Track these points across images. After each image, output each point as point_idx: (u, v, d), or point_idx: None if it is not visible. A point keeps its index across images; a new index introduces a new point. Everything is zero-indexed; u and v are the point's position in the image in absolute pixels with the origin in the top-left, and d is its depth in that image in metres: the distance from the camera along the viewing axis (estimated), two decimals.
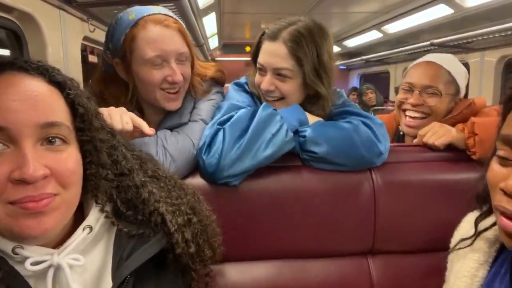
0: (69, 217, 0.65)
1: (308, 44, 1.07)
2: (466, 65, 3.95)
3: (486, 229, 0.78)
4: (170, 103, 1.11)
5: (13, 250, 0.60)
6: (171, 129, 1.12)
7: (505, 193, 0.60)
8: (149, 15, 1.07)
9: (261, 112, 1.04)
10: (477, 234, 0.79)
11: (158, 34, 1.05)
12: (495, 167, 0.65)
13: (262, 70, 1.12)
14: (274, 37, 1.09)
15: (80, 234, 0.66)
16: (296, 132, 1.06)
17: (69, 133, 0.63)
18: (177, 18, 1.13)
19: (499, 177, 0.62)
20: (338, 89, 1.24)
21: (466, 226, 0.84)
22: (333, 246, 1.09)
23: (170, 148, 1.02)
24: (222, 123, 1.05)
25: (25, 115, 0.58)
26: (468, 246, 0.80)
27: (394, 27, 4.36)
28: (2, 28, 1.75)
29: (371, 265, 1.09)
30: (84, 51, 2.42)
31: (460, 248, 0.81)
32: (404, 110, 1.38)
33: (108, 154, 0.71)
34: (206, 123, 1.11)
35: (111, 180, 0.70)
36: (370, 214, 1.07)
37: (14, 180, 0.56)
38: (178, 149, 1.03)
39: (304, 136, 1.05)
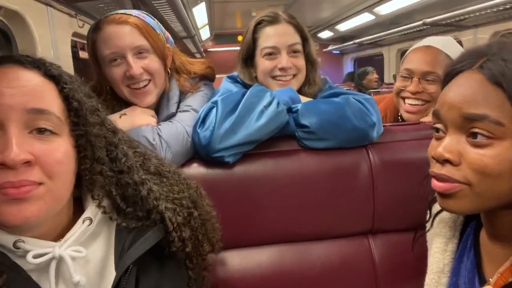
0: (56, 210, 0.65)
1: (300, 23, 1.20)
2: (459, 43, 3.95)
3: (439, 212, 0.84)
4: (140, 99, 1.11)
5: (14, 244, 0.61)
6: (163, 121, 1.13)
7: (436, 160, 0.68)
8: (106, 16, 1.10)
9: (252, 89, 1.08)
10: (433, 216, 0.85)
11: (111, 32, 1.07)
12: (432, 142, 0.73)
13: (273, 54, 1.17)
14: (276, 20, 1.18)
15: (80, 226, 0.66)
16: (290, 110, 1.08)
17: (60, 124, 0.63)
18: (138, 13, 1.13)
19: (433, 149, 0.70)
20: (323, 76, 1.30)
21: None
22: (334, 228, 1.10)
23: (164, 135, 1.03)
24: (216, 102, 1.07)
25: (13, 99, 0.59)
26: (429, 230, 0.86)
27: (386, 9, 4.33)
28: None
29: (372, 244, 1.10)
30: (75, 47, 2.39)
31: (428, 230, 0.86)
32: (403, 98, 1.35)
33: (108, 151, 0.71)
34: (197, 112, 1.12)
35: (109, 177, 0.70)
36: (369, 194, 1.08)
37: None
38: (172, 135, 1.04)
39: (297, 111, 1.08)
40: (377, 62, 6.50)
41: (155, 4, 2.50)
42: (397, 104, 1.41)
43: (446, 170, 0.66)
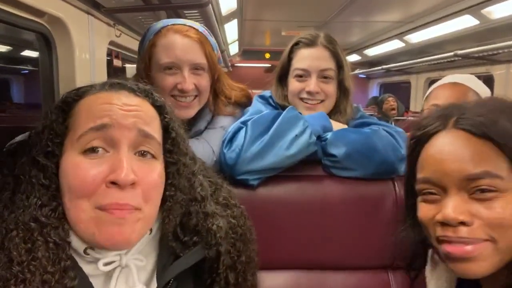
0: (146, 233, 0.68)
1: (340, 48, 1.16)
2: (491, 77, 3.89)
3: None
4: (181, 111, 1.10)
5: (84, 251, 0.63)
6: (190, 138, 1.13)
7: (444, 223, 0.65)
8: (174, 24, 1.10)
9: (286, 114, 1.06)
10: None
11: (175, 42, 1.07)
12: (423, 207, 0.70)
13: (304, 76, 1.16)
14: (312, 43, 1.16)
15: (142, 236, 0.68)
16: (319, 138, 1.07)
17: (159, 149, 0.68)
18: (203, 30, 1.13)
19: (431, 212, 0.67)
20: (355, 104, 1.27)
21: None
22: (353, 259, 1.07)
23: None
24: (245, 122, 1.07)
25: (128, 119, 0.63)
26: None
27: (417, 37, 4.30)
28: (32, 31, 1.80)
29: (392, 280, 1.06)
30: (110, 55, 2.47)
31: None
32: None
33: (187, 179, 0.73)
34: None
35: (183, 206, 0.72)
36: (392, 227, 1.05)
37: (108, 182, 0.60)
38: (197, 154, 1.03)
39: (325, 140, 1.06)
40: (404, 89, 6.42)
41: (189, 19, 2.56)
42: None
43: (466, 232, 0.63)
